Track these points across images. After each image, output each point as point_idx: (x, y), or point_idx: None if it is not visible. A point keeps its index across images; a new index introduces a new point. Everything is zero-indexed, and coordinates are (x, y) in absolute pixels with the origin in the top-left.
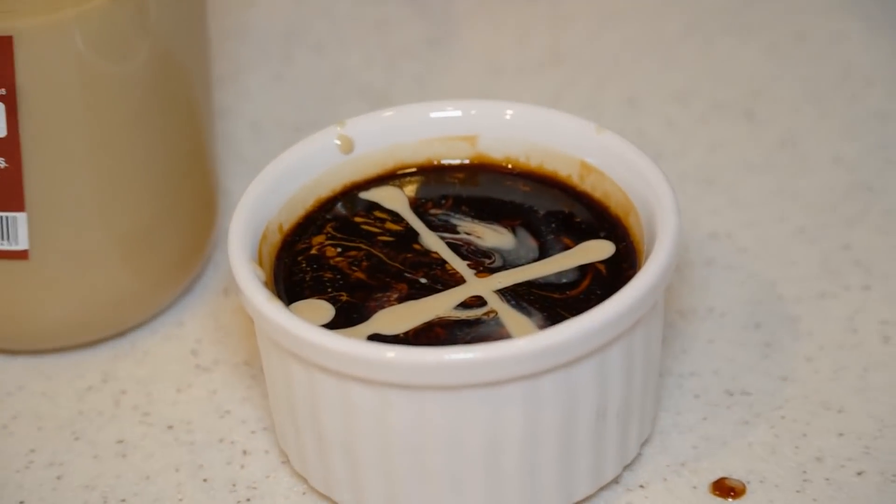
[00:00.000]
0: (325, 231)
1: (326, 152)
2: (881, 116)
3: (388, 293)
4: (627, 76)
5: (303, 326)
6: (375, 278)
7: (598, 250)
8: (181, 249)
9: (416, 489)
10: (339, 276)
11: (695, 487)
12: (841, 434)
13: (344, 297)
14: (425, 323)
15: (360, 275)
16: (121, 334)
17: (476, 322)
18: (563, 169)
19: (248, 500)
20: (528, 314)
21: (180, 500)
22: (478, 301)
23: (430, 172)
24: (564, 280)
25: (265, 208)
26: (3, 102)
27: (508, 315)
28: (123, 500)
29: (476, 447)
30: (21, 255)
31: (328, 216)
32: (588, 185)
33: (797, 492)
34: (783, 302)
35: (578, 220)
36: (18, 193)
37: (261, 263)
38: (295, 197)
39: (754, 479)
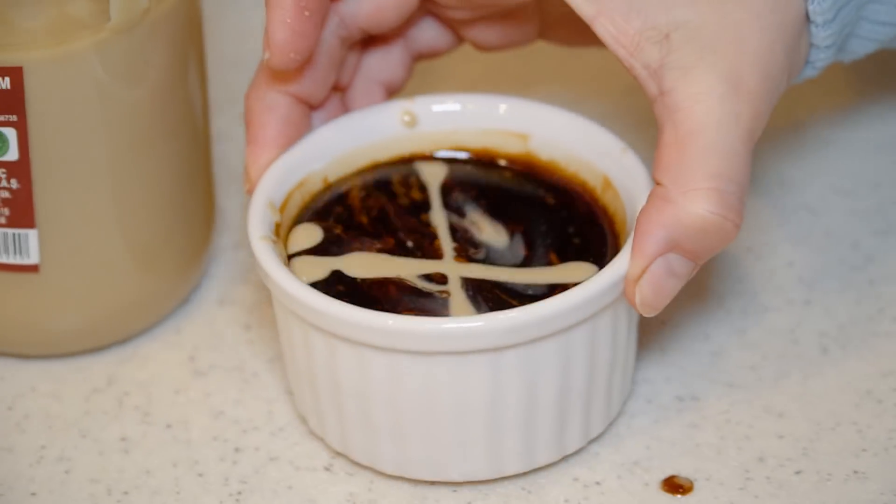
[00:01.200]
0: (363, 185)
1: (391, 122)
2: (824, 144)
3: (374, 241)
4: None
5: (320, 299)
6: (373, 226)
7: (576, 272)
8: (180, 263)
9: (396, 441)
10: (345, 213)
11: (647, 484)
12: (781, 436)
13: (337, 231)
14: (384, 278)
15: (363, 218)
16: (124, 341)
17: (427, 295)
18: (591, 180)
19: (240, 493)
20: (478, 308)
21: (178, 493)
22: (441, 279)
23: (477, 160)
24: (531, 292)
25: (310, 161)
26: (15, 128)
27: (458, 301)
28: (126, 493)
29: (476, 407)
30: (32, 268)
31: (373, 176)
32: (608, 199)
33: (740, 489)
34: (730, 315)
35: (576, 240)
36: (29, 212)
37: (284, 207)
38: (347, 155)
39: (701, 478)
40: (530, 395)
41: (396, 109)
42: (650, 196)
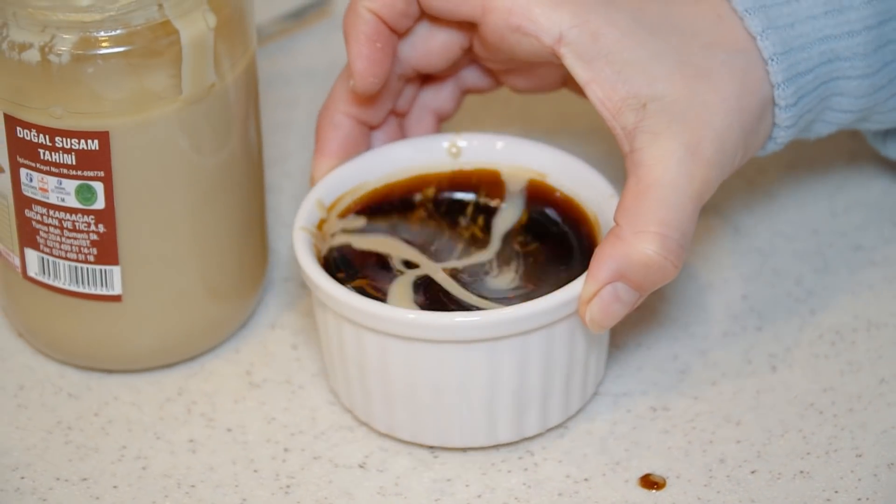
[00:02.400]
0: (407, 196)
1: (439, 150)
2: (771, 198)
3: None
4: None
5: (352, 297)
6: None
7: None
8: (239, 294)
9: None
10: (386, 211)
11: (626, 481)
12: (738, 441)
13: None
14: (374, 251)
15: (398, 217)
16: (192, 358)
17: (388, 270)
18: (590, 217)
19: (288, 486)
20: (416, 295)
21: (236, 486)
22: (415, 266)
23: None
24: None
25: (365, 172)
26: (102, 182)
27: (403, 284)
28: (193, 486)
29: (478, 386)
30: (116, 298)
31: (415, 191)
32: (596, 236)
33: (705, 486)
34: (695, 339)
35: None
36: (114, 252)
37: (333, 206)
38: (398, 171)
39: (672, 476)
40: (523, 374)
41: (445, 141)
42: (608, 233)
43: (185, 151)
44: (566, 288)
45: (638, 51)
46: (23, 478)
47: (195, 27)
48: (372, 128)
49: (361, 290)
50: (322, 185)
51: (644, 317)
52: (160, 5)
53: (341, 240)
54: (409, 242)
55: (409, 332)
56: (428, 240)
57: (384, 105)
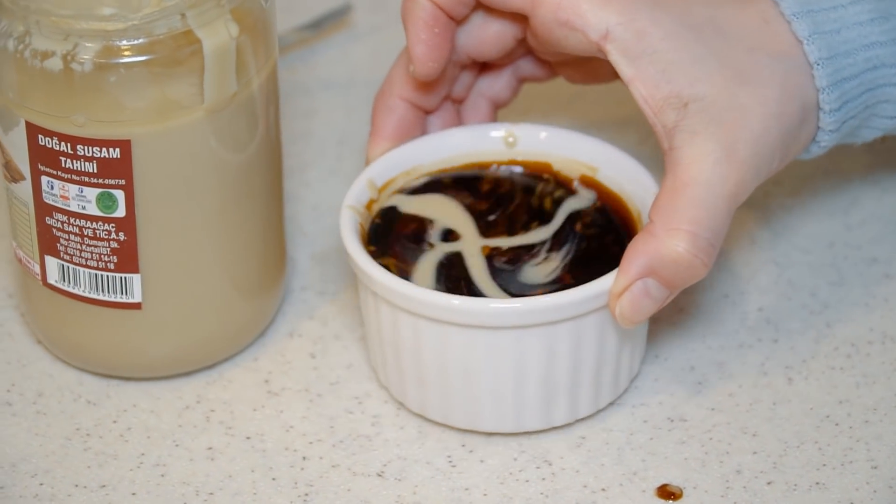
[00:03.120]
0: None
1: (496, 139)
2: (787, 210)
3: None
4: None
5: (393, 280)
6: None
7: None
8: (257, 303)
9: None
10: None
11: (643, 491)
12: (755, 452)
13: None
14: (417, 216)
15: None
16: (211, 367)
17: (419, 243)
18: (633, 212)
19: (307, 494)
20: (437, 281)
21: (254, 493)
22: (455, 238)
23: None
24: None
25: (419, 156)
26: (123, 191)
27: (428, 262)
28: (211, 494)
29: (505, 371)
30: (136, 306)
31: (468, 173)
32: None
33: (721, 496)
34: (711, 350)
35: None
36: (134, 260)
37: (385, 187)
38: (451, 158)
39: (689, 486)
40: (550, 363)
41: (501, 130)
42: (642, 230)
43: (206, 160)
44: (597, 281)
45: (681, 51)
46: (42, 484)
47: (218, 36)
48: (427, 112)
49: (387, 269)
50: (375, 166)
51: (661, 328)
52: (183, 15)
53: (389, 202)
54: (466, 207)
55: (441, 314)
56: (488, 209)
57: (440, 90)
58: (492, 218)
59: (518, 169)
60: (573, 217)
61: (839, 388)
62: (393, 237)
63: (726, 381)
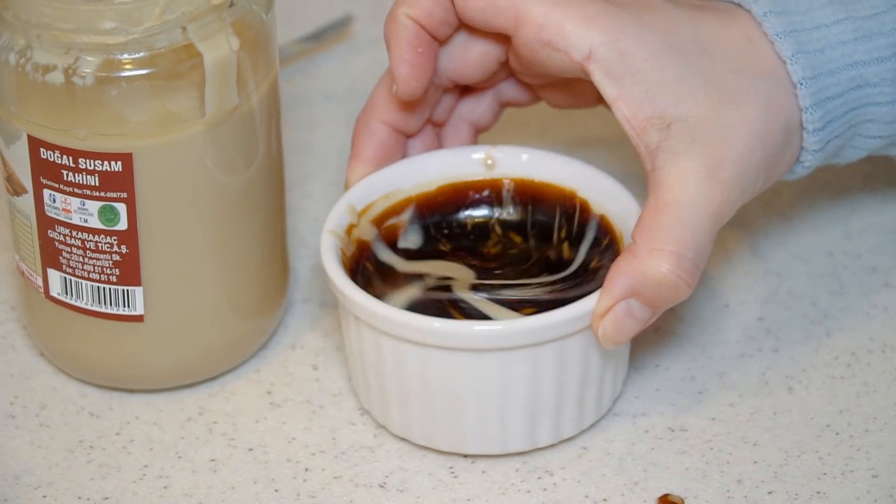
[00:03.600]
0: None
1: (475, 161)
2: (786, 220)
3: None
4: None
5: (370, 301)
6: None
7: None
8: (259, 315)
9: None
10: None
11: (645, 501)
12: (756, 462)
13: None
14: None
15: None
16: (213, 379)
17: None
18: (616, 231)
19: None
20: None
21: None
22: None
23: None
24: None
25: (398, 180)
26: (125, 203)
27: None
28: None
29: (488, 393)
30: (138, 318)
31: (449, 197)
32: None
33: None
34: (712, 360)
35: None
36: (136, 273)
37: (364, 211)
38: (431, 181)
39: (690, 496)
40: (534, 385)
41: (480, 152)
42: (625, 250)
43: (207, 173)
44: (580, 302)
45: (665, 71)
46: (45, 496)
47: (218, 50)
48: (408, 136)
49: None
50: (354, 190)
51: (662, 338)
52: (184, 28)
53: (382, 256)
54: (471, 267)
55: (424, 338)
56: (495, 268)
57: (422, 114)
58: (497, 272)
59: (517, 208)
60: (589, 257)
61: (839, 398)
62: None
63: (727, 391)
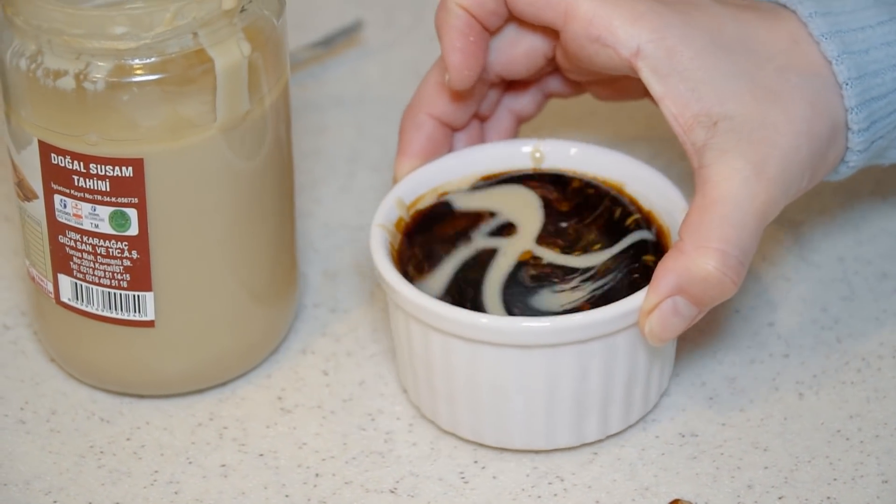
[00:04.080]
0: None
1: (524, 154)
2: (796, 226)
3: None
4: None
5: (422, 298)
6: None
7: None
8: (270, 320)
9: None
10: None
11: None
12: (766, 467)
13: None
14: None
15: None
16: (224, 384)
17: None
18: (665, 232)
19: None
20: (505, 304)
21: None
22: (510, 231)
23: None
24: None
25: (447, 173)
26: (136, 209)
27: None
28: None
29: (533, 389)
30: (149, 324)
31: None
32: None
33: None
34: (723, 366)
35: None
36: (147, 278)
37: (414, 205)
38: (481, 174)
39: (701, 501)
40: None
41: (528, 146)
42: (672, 248)
43: (218, 178)
44: (628, 299)
45: (712, 70)
46: (55, 502)
47: (230, 55)
48: (455, 129)
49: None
50: (403, 184)
51: (671, 343)
52: (195, 34)
53: (440, 199)
54: (546, 202)
55: (471, 333)
56: (567, 211)
57: (469, 107)
58: (563, 224)
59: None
60: (638, 246)
61: (850, 403)
62: (424, 239)
63: (737, 397)
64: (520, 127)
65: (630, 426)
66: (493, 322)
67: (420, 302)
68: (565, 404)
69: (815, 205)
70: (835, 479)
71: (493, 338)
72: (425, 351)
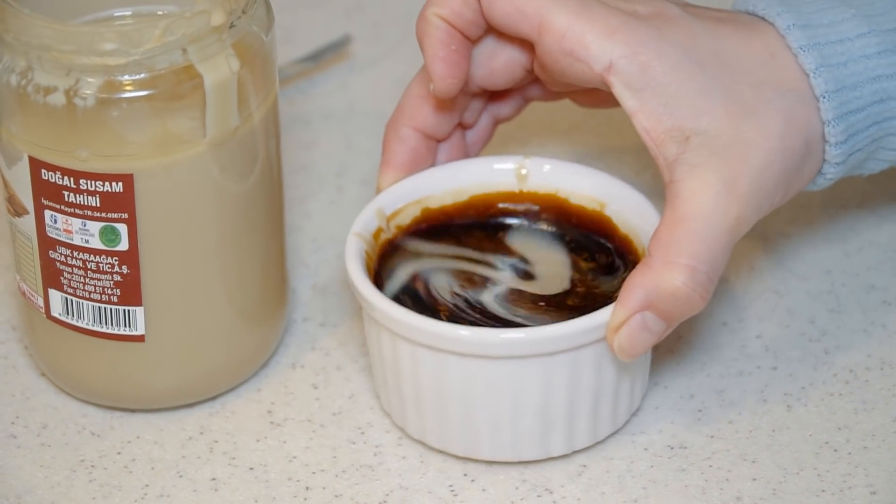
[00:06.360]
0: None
1: (505, 173)
2: (785, 238)
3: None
4: None
5: (388, 305)
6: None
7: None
8: (260, 334)
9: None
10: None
11: None
12: (755, 479)
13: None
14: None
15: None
16: (214, 398)
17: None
18: (640, 248)
19: None
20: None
21: None
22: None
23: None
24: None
25: (429, 187)
26: (126, 224)
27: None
28: None
29: (503, 401)
30: (139, 338)
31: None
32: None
33: None
34: (711, 378)
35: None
36: (137, 293)
37: (393, 216)
38: (462, 189)
39: None
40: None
41: (513, 163)
42: (640, 263)
43: (208, 194)
44: (595, 313)
45: (685, 84)
46: None
47: (219, 71)
48: (438, 140)
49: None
50: (385, 196)
51: (660, 356)
52: (184, 50)
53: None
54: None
55: (438, 343)
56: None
57: (452, 118)
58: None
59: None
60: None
61: (838, 415)
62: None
63: (726, 409)
64: (497, 127)
65: (614, 432)
66: (459, 332)
67: (388, 310)
68: (531, 417)
69: (803, 217)
70: (823, 491)
71: (459, 348)
72: (395, 360)
